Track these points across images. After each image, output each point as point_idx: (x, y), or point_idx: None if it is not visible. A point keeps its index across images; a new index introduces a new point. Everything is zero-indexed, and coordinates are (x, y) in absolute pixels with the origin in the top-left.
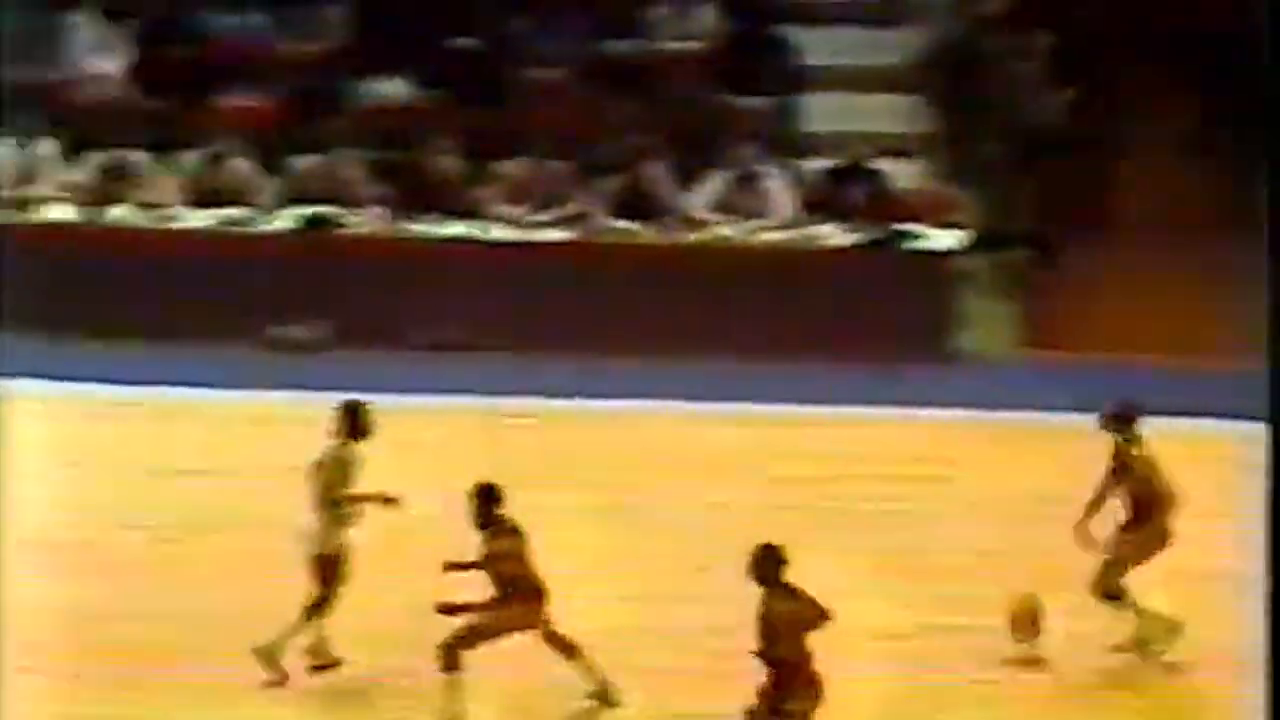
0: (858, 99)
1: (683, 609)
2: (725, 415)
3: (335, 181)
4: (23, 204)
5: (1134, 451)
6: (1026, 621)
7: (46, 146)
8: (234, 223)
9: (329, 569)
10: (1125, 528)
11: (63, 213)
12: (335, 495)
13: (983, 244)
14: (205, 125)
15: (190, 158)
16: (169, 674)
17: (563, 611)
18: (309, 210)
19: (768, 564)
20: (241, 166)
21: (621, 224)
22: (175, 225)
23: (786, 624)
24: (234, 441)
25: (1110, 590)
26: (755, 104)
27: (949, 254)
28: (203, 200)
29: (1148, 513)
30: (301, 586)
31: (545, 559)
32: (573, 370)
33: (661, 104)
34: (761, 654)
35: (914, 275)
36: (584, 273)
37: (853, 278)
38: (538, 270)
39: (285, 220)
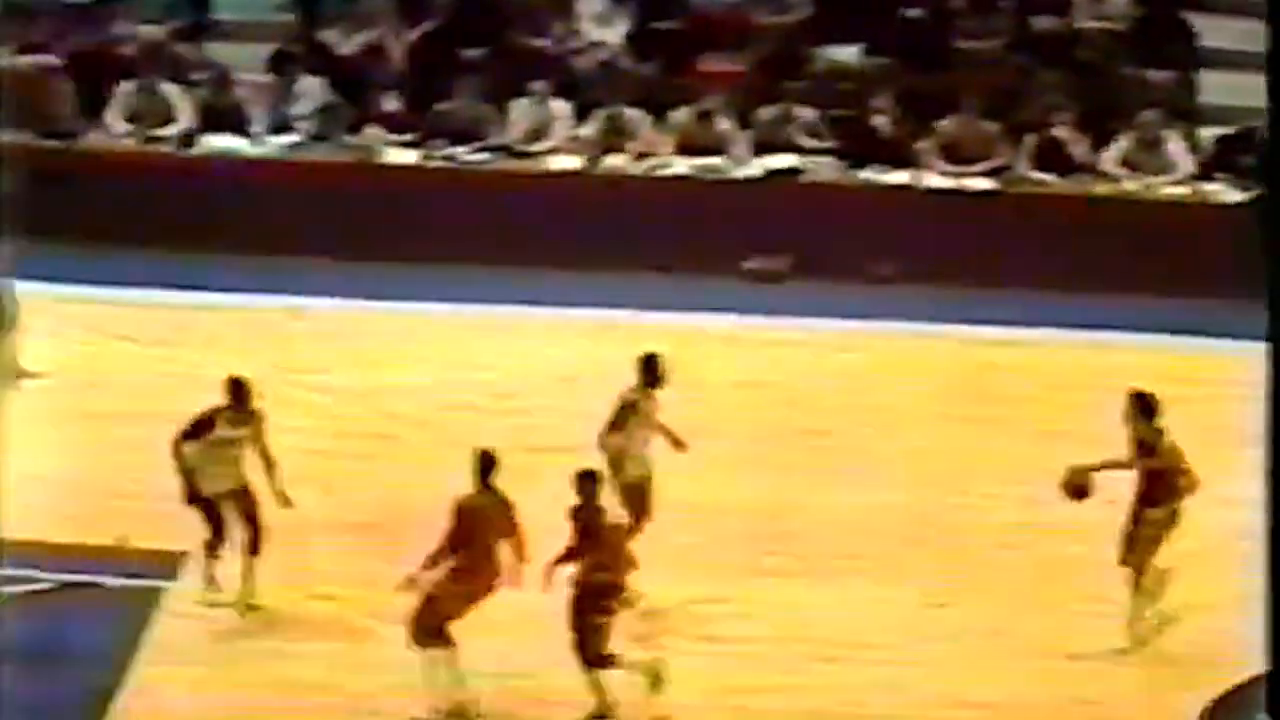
0: (1247, 77)
1: None
2: (1129, 344)
3: (796, 135)
4: (535, 155)
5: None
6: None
7: (557, 106)
8: (712, 170)
9: (637, 496)
10: (1142, 505)
11: (568, 163)
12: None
13: None
14: (691, 86)
15: (678, 114)
16: None
17: None
18: (774, 160)
19: None
20: (721, 122)
21: (1039, 176)
22: (664, 173)
23: None
24: (705, 359)
25: (1140, 567)
26: (1159, 76)
27: None
28: (687, 150)
29: (1166, 496)
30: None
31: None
32: (994, 302)
33: (1079, 73)
34: None
35: None
36: (1006, 219)
37: (1243, 229)
38: (966, 215)
39: (754, 168)
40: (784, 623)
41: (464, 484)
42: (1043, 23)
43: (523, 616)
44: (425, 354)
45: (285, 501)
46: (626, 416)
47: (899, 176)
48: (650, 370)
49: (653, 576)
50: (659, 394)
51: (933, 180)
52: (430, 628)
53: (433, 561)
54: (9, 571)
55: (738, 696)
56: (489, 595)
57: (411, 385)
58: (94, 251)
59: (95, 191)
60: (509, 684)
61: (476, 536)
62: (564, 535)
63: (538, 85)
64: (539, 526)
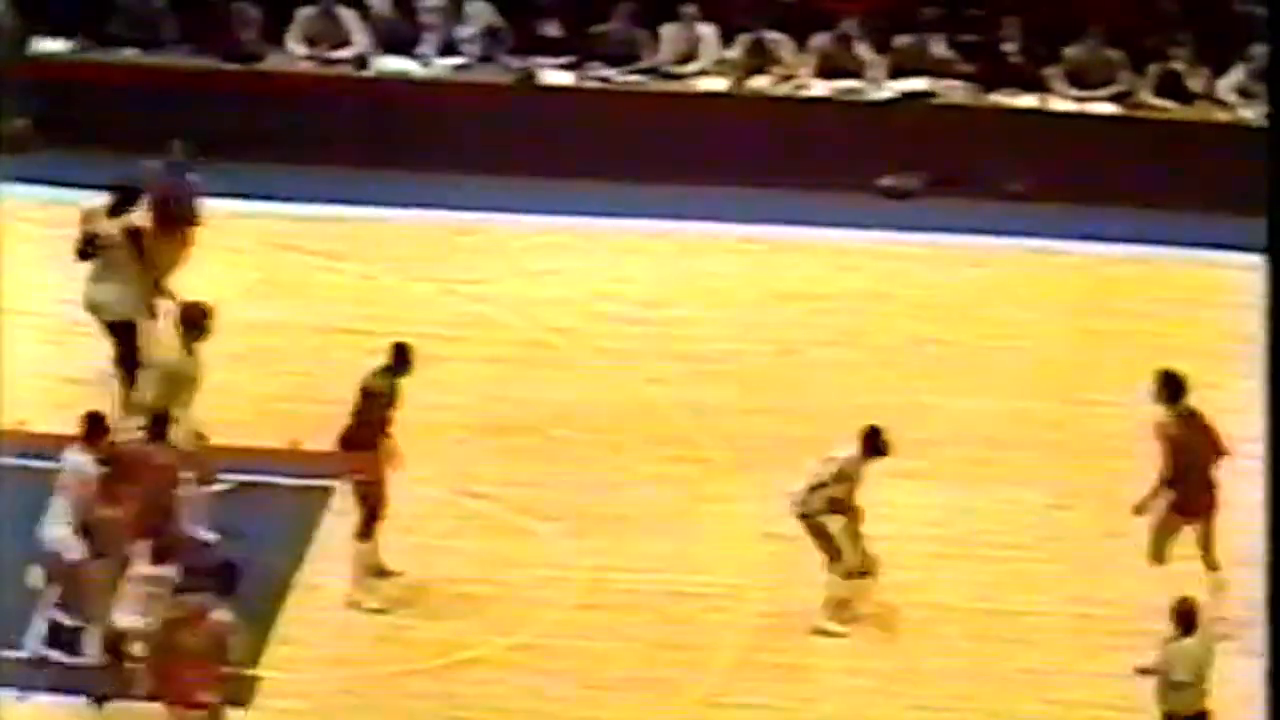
0: None
1: None
2: (1242, 262)
3: (929, 59)
4: (684, 77)
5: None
6: None
7: (704, 30)
8: (850, 92)
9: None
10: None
11: (714, 85)
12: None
13: None
14: (830, 12)
15: (818, 39)
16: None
17: None
18: (908, 83)
19: None
20: (858, 46)
21: (1157, 101)
22: (804, 94)
23: None
24: (841, 272)
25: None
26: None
27: None
28: (826, 73)
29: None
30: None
31: None
32: (1116, 220)
33: (1197, 5)
34: None
35: None
36: (1126, 140)
37: None
38: (1090, 137)
39: (889, 91)
40: (915, 521)
41: (613, 389)
42: None
43: None
44: (578, 266)
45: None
46: None
47: (1027, 100)
48: None
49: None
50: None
51: (1059, 104)
52: None
53: None
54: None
55: (873, 591)
56: None
57: (564, 296)
58: (272, 169)
59: (275, 112)
60: None
61: None
62: (727, 433)
63: (687, 10)
64: (692, 426)
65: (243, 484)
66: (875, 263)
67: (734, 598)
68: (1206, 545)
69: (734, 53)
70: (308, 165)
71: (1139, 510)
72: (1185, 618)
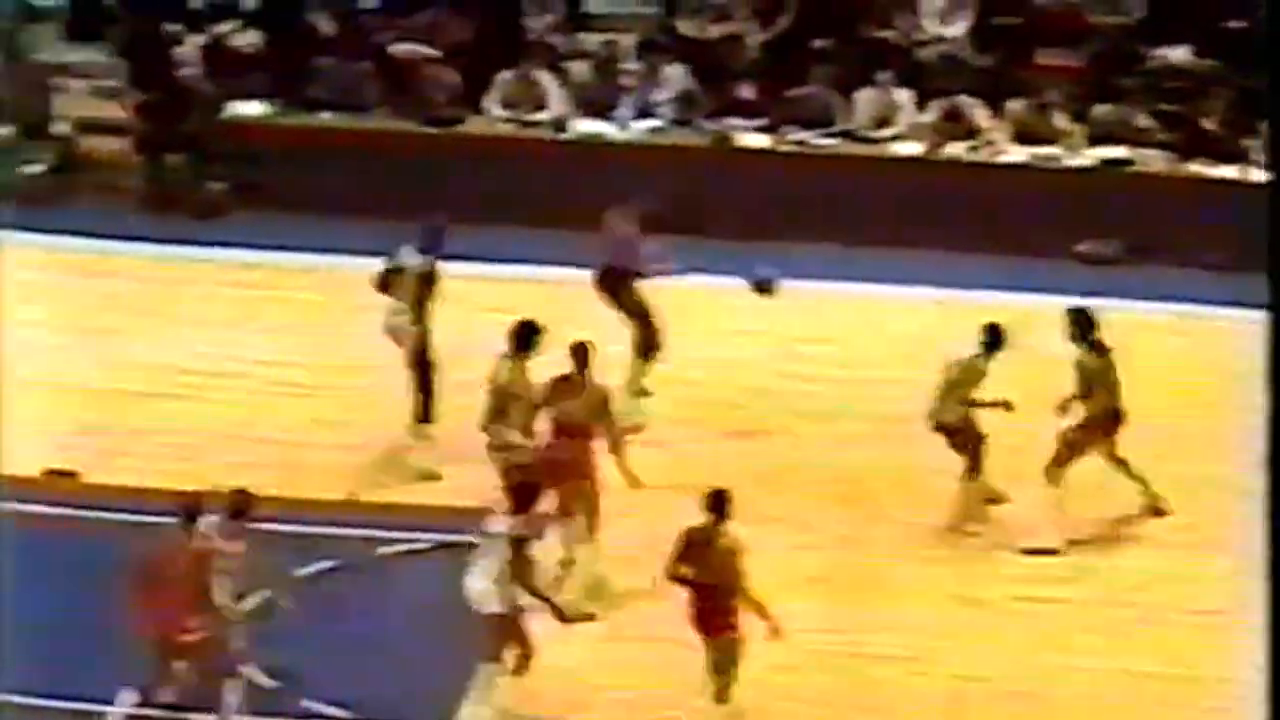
0: None
1: None
2: None
3: (1128, 128)
4: (879, 141)
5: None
6: None
7: (901, 94)
8: (1048, 158)
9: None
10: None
11: (910, 149)
12: (965, 396)
13: None
14: (1028, 78)
15: (1016, 105)
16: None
17: None
18: (1107, 150)
19: None
20: (1056, 114)
21: None
22: (1001, 159)
23: None
24: (1039, 337)
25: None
26: None
27: None
28: (1023, 139)
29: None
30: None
31: None
32: None
33: None
34: None
35: None
36: None
37: None
38: None
39: (1088, 158)
40: (1107, 587)
41: (806, 450)
42: None
43: None
44: (772, 327)
45: (634, 482)
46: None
47: (1226, 171)
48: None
49: None
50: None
51: (1258, 175)
52: None
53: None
54: (387, 534)
55: (1059, 655)
56: None
57: (758, 357)
58: (469, 231)
59: (474, 174)
60: None
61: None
62: (920, 494)
63: (884, 75)
64: (886, 486)
65: (440, 544)
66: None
67: (927, 660)
68: (1115, 460)
69: (930, 117)
70: (504, 226)
71: (1060, 411)
72: None
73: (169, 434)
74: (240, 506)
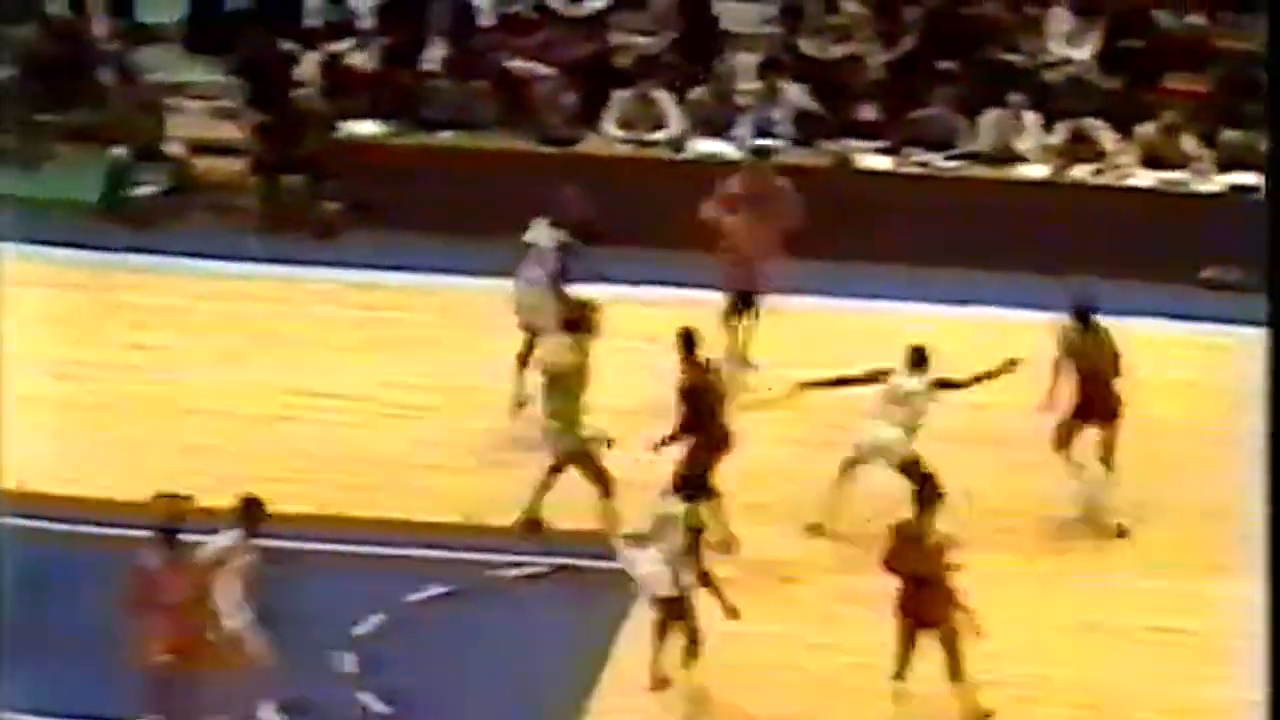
0: None
1: None
2: None
3: (1257, 153)
4: (1002, 163)
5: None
6: None
7: (1027, 117)
8: (1176, 183)
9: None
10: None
11: (1035, 172)
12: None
13: None
14: (1155, 102)
15: (1143, 129)
16: None
17: None
18: (1236, 176)
19: None
20: (1184, 138)
21: None
22: (1127, 183)
23: None
24: (1162, 362)
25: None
26: None
27: None
28: (1150, 163)
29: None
30: None
31: None
32: None
33: None
34: None
35: None
36: None
37: None
38: None
39: (1215, 184)
40: (1232, 617)
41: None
42: None
43: None
44: (893, 349)
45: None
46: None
47: None
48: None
49: None
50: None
51: None
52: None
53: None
54: (503, 557)
55: (1185, 685)
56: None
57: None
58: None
59: (591, 194)
60: None
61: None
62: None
63: (1011, 97)
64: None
65: (559, 567)
66: (1194, 354)
67: (1045, 688)
68: (1107, 449)
69: (1056, 140)
70: (620, 247)
71: (1042, 409)
72: None
73: (282, 457)
74: (253, 518)
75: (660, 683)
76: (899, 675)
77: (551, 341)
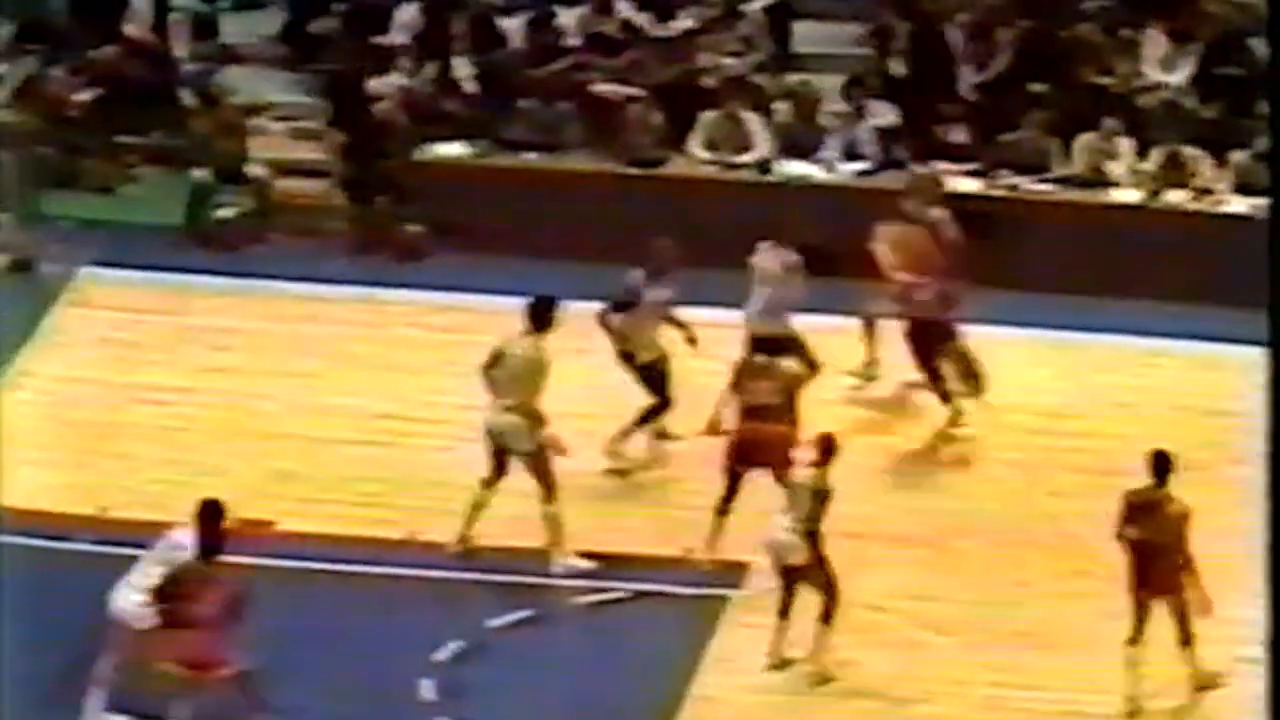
0: None
1: None
2: None
3: None
4: (1095, 186)
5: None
6: None
7: (1120, 141)
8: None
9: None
10: None
11: (1128, 196)
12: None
13: None
14: (1251, 129)
15: (1238, 155)
16: None
17: None
18: (1253, 199)
19: None
20: None
21: None
22: (1222, 209)
23: None
24: (1253, 390)
25: None
26: None
27: None
28: (1245, 190)
29: None
30: None
31: None
32: None
33: None
34: None
35: None
36: None
37: None
38: None
39: (1236, 205)
40: None
41: (1015, 500)
42: None
43: None
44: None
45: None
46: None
47: None
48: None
49: None
50: None
51: None
52: None
53: None
54: (585, 582)
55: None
56: None
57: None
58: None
59: (678, 216)
60: None
61: None
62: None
63: (1106, 122)
64: (1077, 541)
65: (638, 593)
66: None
67: (1134, 718)
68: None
69: (1149, 165)
70: (708, 269)
71: None
72: None
73: (366, 481)
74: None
75: (782, 663)
76: (1132, 641)
77: (523, 340)
